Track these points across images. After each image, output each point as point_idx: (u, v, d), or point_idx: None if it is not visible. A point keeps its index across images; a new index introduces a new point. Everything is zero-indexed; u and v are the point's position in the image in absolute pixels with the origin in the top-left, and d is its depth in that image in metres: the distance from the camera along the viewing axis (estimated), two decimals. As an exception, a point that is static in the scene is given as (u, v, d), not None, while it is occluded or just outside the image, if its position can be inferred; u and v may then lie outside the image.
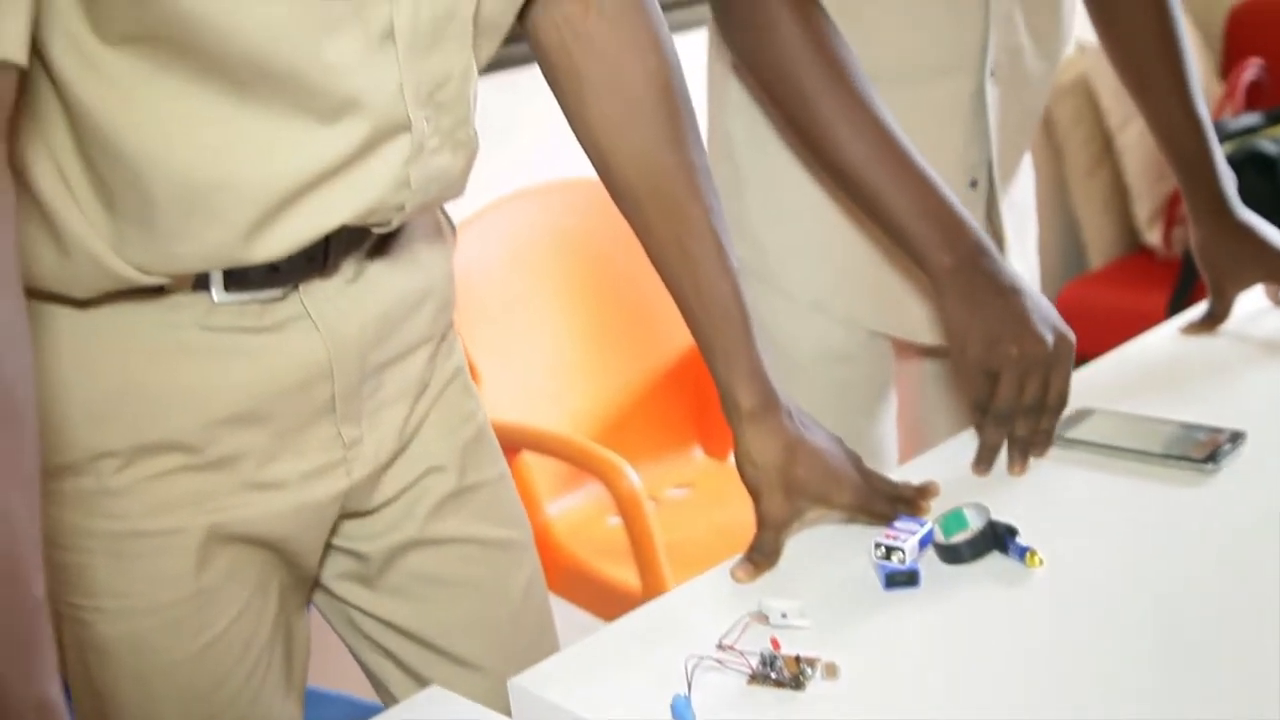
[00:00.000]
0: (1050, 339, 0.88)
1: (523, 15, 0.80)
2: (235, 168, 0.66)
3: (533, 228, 1.81)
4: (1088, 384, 1.01)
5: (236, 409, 0.72)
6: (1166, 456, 0.86)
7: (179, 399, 0.71)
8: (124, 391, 0.71)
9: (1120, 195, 2.75)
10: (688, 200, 0.82)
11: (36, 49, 0.60)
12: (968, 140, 1.08)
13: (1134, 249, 2.76)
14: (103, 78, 0.62)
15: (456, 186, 0.78)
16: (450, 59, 0.71)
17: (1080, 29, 1.26)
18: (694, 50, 1.14)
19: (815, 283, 1.12)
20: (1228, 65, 2.92)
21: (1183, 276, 2.45)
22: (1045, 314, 0.90)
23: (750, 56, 1.01)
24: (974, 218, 1.00)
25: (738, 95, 1.10)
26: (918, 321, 1.12)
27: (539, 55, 0.84)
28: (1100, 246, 2.79)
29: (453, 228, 0.88)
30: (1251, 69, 2.73)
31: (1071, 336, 0.90)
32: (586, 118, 0.83)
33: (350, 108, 0.66)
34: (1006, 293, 0.89)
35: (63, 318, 0.70)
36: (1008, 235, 1.13)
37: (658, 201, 0.82)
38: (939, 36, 1.04)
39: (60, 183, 0.66)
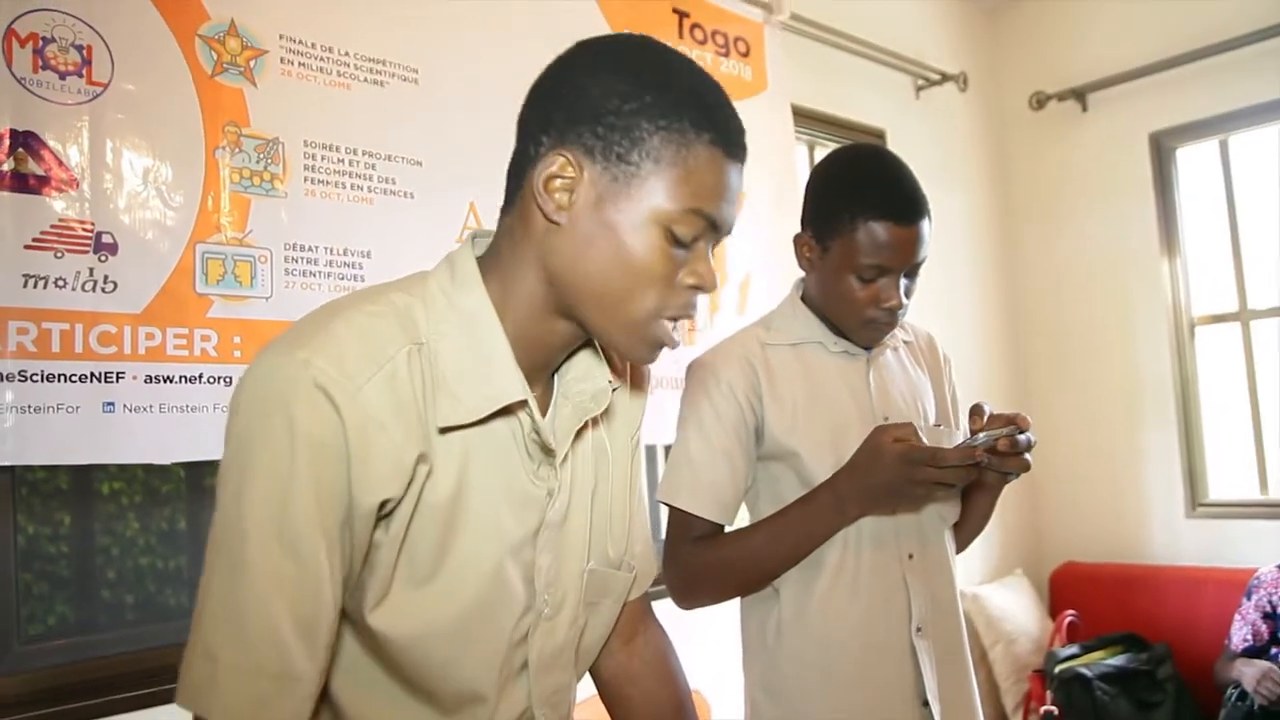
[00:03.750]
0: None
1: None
2: None
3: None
4: None
5: None
6: None
7: None
8: None
9: (993, 689, 3.30)
10: None
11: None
12: (915, 676, 1.26)
13: (1003, 727, 3.34)
14: (359, 687, 0.78)
15: None
16: (561, 677, 0.88)
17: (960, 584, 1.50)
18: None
19: None
20: (1054, 610, 3.62)
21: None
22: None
23: (694, 585, 1.26)
24: None
25: (762, 673, 1.32)
26: None
27: (597, 682, 1.03)
28: (982, 722, 3.10)
29: None
30: (1069, 615, 3.38)
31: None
32: None
33: (498, 710, 0.82)
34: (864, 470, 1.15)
35: None
36: None
37: None
38: (874, 612, 1.24)
39: None
